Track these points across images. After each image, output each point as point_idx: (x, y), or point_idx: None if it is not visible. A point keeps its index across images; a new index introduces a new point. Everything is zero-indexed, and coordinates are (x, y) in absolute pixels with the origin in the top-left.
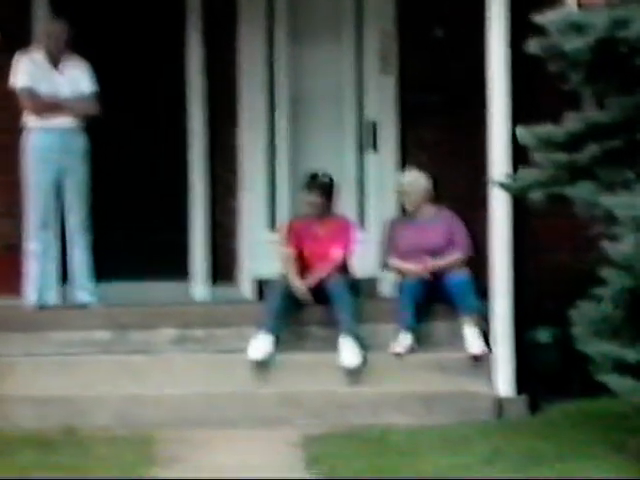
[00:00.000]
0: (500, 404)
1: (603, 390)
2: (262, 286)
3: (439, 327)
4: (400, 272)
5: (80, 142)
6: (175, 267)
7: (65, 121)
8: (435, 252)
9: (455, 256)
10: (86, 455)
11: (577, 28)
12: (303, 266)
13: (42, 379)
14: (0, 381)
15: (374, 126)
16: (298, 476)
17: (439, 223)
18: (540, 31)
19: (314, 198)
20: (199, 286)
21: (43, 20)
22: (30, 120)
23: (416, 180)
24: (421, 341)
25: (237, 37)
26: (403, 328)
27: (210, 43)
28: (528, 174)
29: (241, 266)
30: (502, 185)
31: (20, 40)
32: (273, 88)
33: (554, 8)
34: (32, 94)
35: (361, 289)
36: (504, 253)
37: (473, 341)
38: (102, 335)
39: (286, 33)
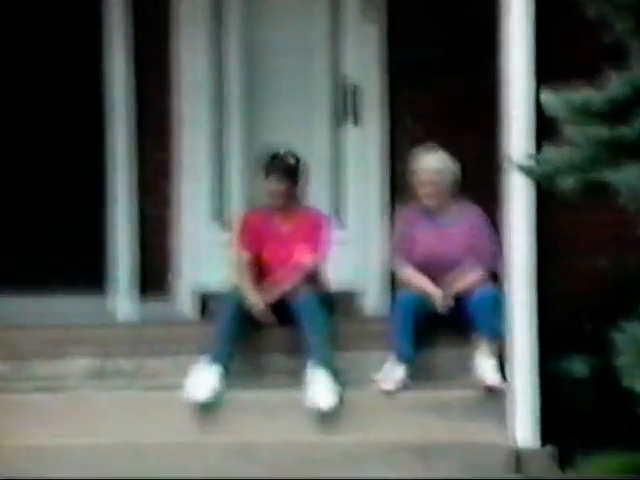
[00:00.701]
0: (519, 457)
1: None
2: (206, 301)
3: (443, 356)
4: (404, 284)
5: None
6: (91, 277)
7: None
8: (455, 264)
9: (477, 274)
10: None
11: None
12: (262, 275)
13: None
14: None
15: (354, 91)
16: None
17: (463, 224)
18: None
19: (276, 185)
20: (123, 301)
21: None
22: None
23: (446, 166)
24: (418, 374)
25: None
26: (395, 357)
27: None
28: (557, 154)
29: (179, 275)
30: (522, 169)
31: None
32: (221, 42)
33: None
34: None
35: (337, 306)
36: (525, 258)
37: (488, 371)
38: None
39: None
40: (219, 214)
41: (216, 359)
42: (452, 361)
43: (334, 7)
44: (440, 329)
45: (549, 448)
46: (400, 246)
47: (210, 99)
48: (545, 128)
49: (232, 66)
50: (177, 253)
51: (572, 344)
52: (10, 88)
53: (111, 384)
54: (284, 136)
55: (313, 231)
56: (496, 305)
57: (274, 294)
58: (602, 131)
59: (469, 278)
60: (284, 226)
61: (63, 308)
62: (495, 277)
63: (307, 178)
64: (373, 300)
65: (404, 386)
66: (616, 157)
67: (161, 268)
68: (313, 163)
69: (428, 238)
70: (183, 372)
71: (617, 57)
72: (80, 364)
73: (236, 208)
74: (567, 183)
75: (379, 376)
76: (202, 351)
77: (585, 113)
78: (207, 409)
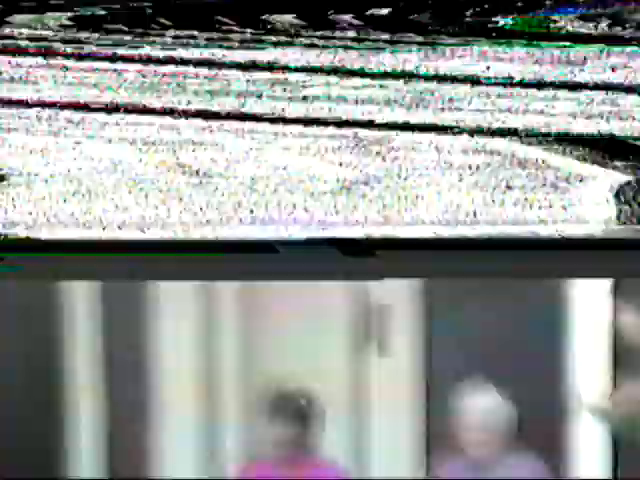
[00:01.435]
0: None
1: None
2: None
3: None
4: None
5: None
6: None
7: None
8: None
9: None
10: None
11: None
12: None
13: None
14: None
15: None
16: None
17: None
18: None
19: (282, 431)
20: None
21: None
22: None
23: (499, 406)
24: None
25: None
26: None
27: None
28: None
29: None
30: (594, 412)
31: None
32: None
33: None
34: None
35: None
36: None
37: None
38: None
39: None
40: (207, 471)
41: None
42: None
43: None
44: None
45: None
46: None
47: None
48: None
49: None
50: None
51: None
52: None
53: None
54: (289, 364)
55: None
56: None
57: None
58: None
59: None
60: None
61: None
62: None
63: (323, 423)
64: None
65: None
66: None
67: None
68: (329, 401)
69: None
70: None
71: None
72: None
73: (231, 459)
74: None
75: None
76: None
77: None
78: None
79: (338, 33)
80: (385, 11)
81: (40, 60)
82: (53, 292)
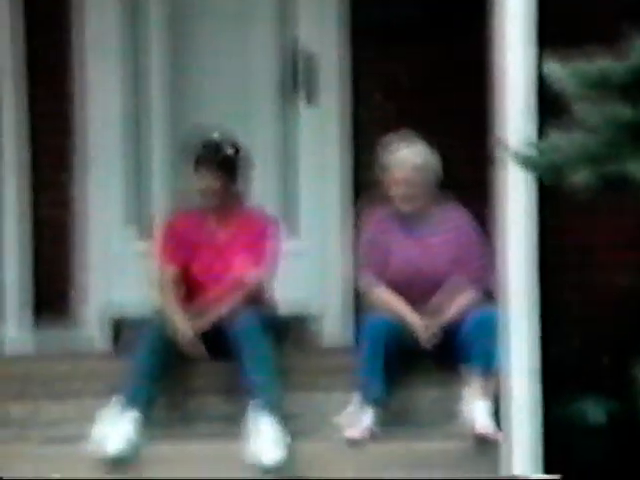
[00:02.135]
0: None
1: None
2: (121, 328)
3: (422, 397)
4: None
5: None
6: None
7: None
8: (438, 282)
9: (469, 295)
10: None
11: None
12: (192, 295)
13: None
14: None
15: (308, 60)
16: None
17: (447, 232)
18: None
19: (209, 181)
20: (11, 329)
21: None
22: None
23: (426, 161)
24: (391, 420)
25: None
26: (362, 399)
27: None
28: (565, 141)
29: (85, 295)
30: (521, 160)
31: None
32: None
33: None
34: None
35: (287, 333)
36: (524, 273)
37: (479, 416)
38: None
39: None
40: (136, 217)
41: (132, 402)
42: (434, 403)
43: None
44: (419, 363)
45: None
46: (370, 259)
47: (124, 69)
48: (550, 108)
49: (152, 29)
50: (82, 267)
51: (585, 382)
52: None
53: None
54: (218, 118)
55: (256, 238)
56: (493, 332)
57: (207, 319)
58: (624, 111)
59: (460, 302)
60: (220, 232)
61: None
62: (488, 298)
63: (249, 172)
64: (333, 326)
65: (373, 435)
66: None
67: (62, 286)
68: (256, 153)
69: (404, 250)
70: (88, 419)
71: None
72: None
73: (158, 209)
74: (579, 177)
75: (341, 421)
76: (114, 392)
77: (602, 87)
78: (119, 465)
79: None
80: None
81: None
82: None
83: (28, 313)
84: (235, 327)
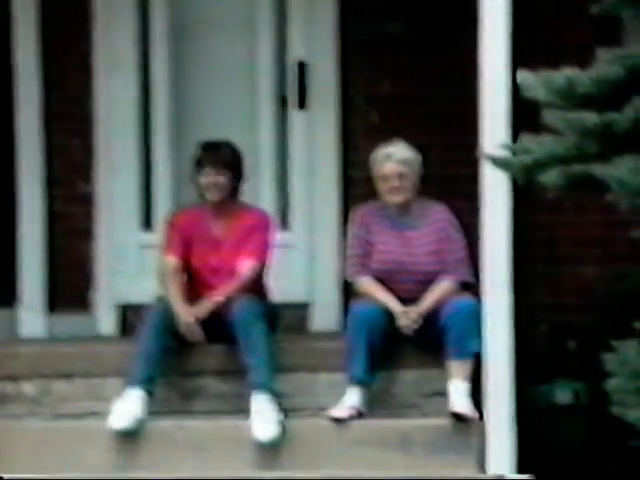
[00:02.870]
0: None
1: None
2: (128, 315)
3: (405, 379)
4: (360, 295)
5: None
6: None
7: None
8: (419, 273)
9: (447, 286)
10: None
11: None
12: (193, 284)
13: None
14: None
15: (302, 69)
16: None
17: (429, 227)
18: None
19: (213, 177)
20: (27, 313)
21: None
22: None
23: (413, 156)
24: (375, 400)
25: None
26: (348, 380)
27: None
28: (536, 144)
29: (96, 284)
30: (496, 161)
31: None
32: (147, 14)
33: None
34: None
35: (280, 320)
36: (500, 264)
37: (458, 397)
38: None
39: None
40: (145, 214)
41: (136, 382)
42: (416, 385)
43: None
44: (403, 347)
45: (526, 477)
46: (356, 252)
47: (133, 79)
48: (526, 115)
49: (158, 42)
50: (95, 260)
51: (554, 366)
52: None
53: (13, 412)
54: (222, 124)
55: (252, 233)
56: (472, 318)
57: (206, 307)
58: (589, 117)
59: (438, 291)
60: (217, 228)
61: None
62: (467, 288)
63: (246, 174)
64: (323, 313)
65: (358, 414)
66: (605, 147)
67: (73, 275)
68: (257, 155)
69: (389, 243)
70: (98, 399)
71: (606, 33)
72: None
73: (164, 207)
74: (548, 177)
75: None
76: (123, 373)
77: (569, 96)
78: (128, 440)
79: None
80: None
81: None
82: None
83: (42, 299)
84: (232, 313)
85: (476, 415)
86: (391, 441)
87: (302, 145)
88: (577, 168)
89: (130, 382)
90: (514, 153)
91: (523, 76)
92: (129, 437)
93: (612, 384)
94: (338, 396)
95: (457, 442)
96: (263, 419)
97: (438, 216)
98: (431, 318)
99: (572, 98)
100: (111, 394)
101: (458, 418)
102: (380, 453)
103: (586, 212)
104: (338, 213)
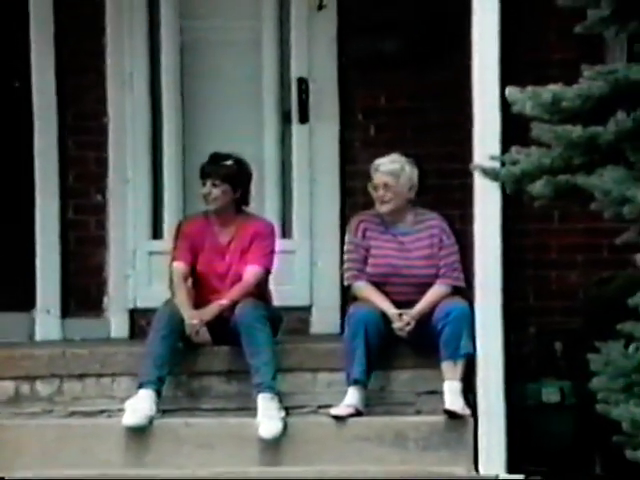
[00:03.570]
0: None
1: (634, 470)
2: (138, 318)
3: (402, 378)
4: (357, 299)
5: None
6: (9, 290)
7: None
8: (414, 278)
9: (440, 290)
10: None
11: None
12: (198, 289)
13: None
14: None
15: (303, 85)
16: None
17: (422, 234)
18: None
19: (209, 189)
20: (41, 317)
21: None
22: None
23: (402, 168)
24: (374, 399)
25: None
26: (347, 380)
27: None
28: (525, 156)
29: (107, 289)
30: (486, 172)
31: None
32: (157, 32)
33: None
34: None
35: (281, 323)
36: (490, 270)
37: (450, 395)
38: None
39: None
40: (154, 223)
41: (147, 382)
42: (411, 384)
43: None
44: (398, 348)
45: (515, 476)
46: (353, 257)
47: (145, 94)
48: (515, 128)
49: (168, 59)
50: (107, 267)
51: (541, 366)
52: None
53: (28, 411)
54: (229, 137)
55: (255, 241)
56: (464, 321)
57: (212, 310)
58: (574, 130)
59: (431, 296)
60: (223, 235)
61: None
62: (460, 292)
63: (250, 184)
64: (323, 317)
65: (356, 412)
66: (590, 159)
67: (85, 281)
68: (261, 166)
69: (385, 249)
70: (106, 396)
71: (592, 51)
72: None
73: (173, 215)
74: (536, 187)
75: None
76: (130, 373)
77: (555, 110)
78: (138, 438)
79: None
80: None
81: None
82: None
83: (57, 304)
84: (236, 317)
85: (468, 413)
86: (387, 438)
87: (303, 157)
88: (563, 178)
89: (140, 382)
90: (503, 164)
91: (510, 91)
92: (139, 434)
93: (597, 383)
94: (337, 395)
95: (450, 438)
96: (267, 417)
97: (432, 223)
98: (425, 321)
99: (558, 112)
100: (121, 393)
101: (451, 415)
102: (377, 449)
103: (572, 220)
104: (338, 221)
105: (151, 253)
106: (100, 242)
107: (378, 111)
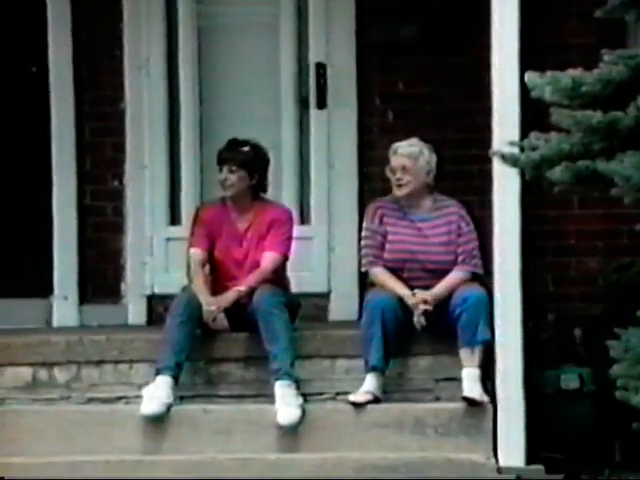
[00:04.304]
0: (501, 477)
1: None
2: (155, 305)
3: (418, 365)
4: (374, 285)
5: None
6: (26, 277)
7: None
8: (432, 264)
9: (458, 276)
10: None
11: None
12: (216, 275)
13: None
14: None
15: (321, 71)
16: None
17: (441, 220)
18: None
19: (226, 175)
20: (59, 303)
21: None
22: None
23: (421, 152)
24: (392, 385)
25: None
26: (365, 367)
27: None
28: (544, 142)
29: (125, 275)
30: (506, 157)
31: None
32: (174, 17)
33: None
34: None
35: (299, 309)
36: (510, 256)
37: (469, 382)
38: None
39: None
40: (171, 209)
41: (163, 368)
42: (429, 371)
43: None
44: (416, 335)
45: (535, 467)
46: (370, 243)
47: (162, 80)
48: (534, 114)
49: (185, 44)
50: (124, 253)
51: (560, 352)
52: None
53: (45, 397)
54: (246, 123)
55: (272, 227)
56: (482, 307)
57: (229, 297)
58: (594, 116)
59: (449, 281)
60: (241, 222)
61: None
62: (478, 279)
63: (267, 170)
64: (341, 303)
65: (374, 399)
66: (610, 144)
67: (102, 267)
68: (279, 152)
69: (402, 235)
70: (127, 384)
71: (611, 35)
72: (10, 375)
73: (190, 202)
74: (555, 173)
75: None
76: (150, 360)
77: (575, 95)
78: (156, 425)
79: None
80: None
81: None
82: None
83: (74, 290)
84: (254, 303)
85: (487, 400)
86: (406, 424)
87: (321, 142)
88: (583, 164)
89: (158, 369)
90: (522, 150)
91: (530, 76)
92: (157, 421)
93: (616, 370)
94: (355, 382)
95: (469, 425)
96: (285, 404)
97: (450, 210)
98: (442, 307)
99: (578, 97)
100: (139, 380)
101: (470, 403)
102: (395, 436)
103: (591, 206)
104: (355, 207)
105: (168, 239)
106: (117, 228)
107: (396, 97)
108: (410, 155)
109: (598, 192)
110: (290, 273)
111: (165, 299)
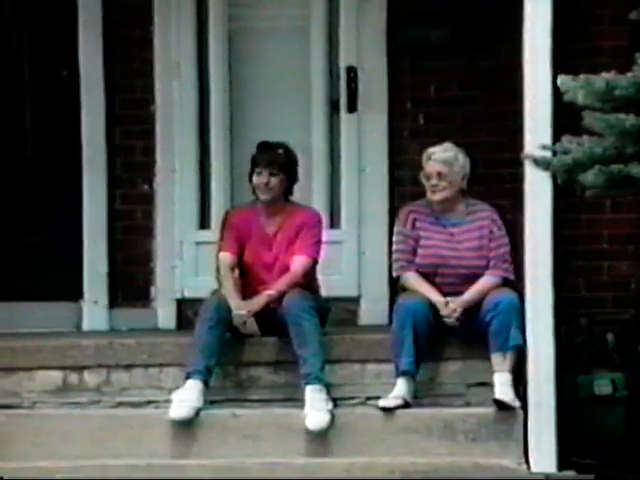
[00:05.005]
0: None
1: None
2: (185, 309)
3: (451, 370)
4: (406, 290)
5: None
6: (57, 282)
7: None
8: (464, 269)
9: (489, 281)
10: None
11: None
12: (246, 279)
13: None
14: None
15: (352, 74)
16: None
17: (474, 225)
18: None
19: (271, 179)
20: (89, 307)
21: None
22: None
23: (455, 157)
24: (420, 390)
25: None
26: (396, 371)
27: None
28: (576, 145)
29: (155, 279)
30: (538, 161)
31: None
32: (204, 20)
33: None
34: None
35: (329, 313)
36: (541, 260)
37: (500, 386)
38: None
39: None
40: (201, 213)
41: (193, 372)
42: (460, 376)
43: None
44: (447, 340)
45: (567, 473)
46: (402, 248)
47: (192, 83)
48: (566, 117)
49: (215, 47)
50: (154, 257)
51: (593, 357)
52: None
53: (75, 401)
54: (276, 127)
55: (301, 230)
56: (513, 312)
57: (259, 301)
58: (627, 119)
59: (480, 285)
60: (270, 226)
61: (28, 316)
62: (509, 284)
63: (298, 173)
64: (372, 307)
65: (404, 403)
66: None
67: (132, 271)
68: (310, 156)
69: (434, 240)
70: (157, 388)
71: None
72: (41, 379)
73: (220, 206)
74: (587, 177)
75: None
76: (180, 365)
77: (608, 99)
78: (185, 429)
79: None
80: None
81: None
82: None
83: (104, 294)
84: (284, 307)
85: (518, 404)
86: (436, 429)
87: (352, 146)
88: (615, 168)
89: (188, 373)
90: (554, 153)
91: (563, 80)
92: (186, 425)
93: None
94: (385, 386)
95: (500, 431)
96: (314, 409)
97: (483, 214)
98: (473, 312)
99: (610, 100)
100: (168, 384)
101: (501, 406)
102: (425, 441)
103: (623, 210)
104: (386, 211)
105: (198, 243)
106: (147, 232)
107: (427, 100)
108: (445, 161)
109: (631, 196)
110: (320, 277)
111: (195, 303)
